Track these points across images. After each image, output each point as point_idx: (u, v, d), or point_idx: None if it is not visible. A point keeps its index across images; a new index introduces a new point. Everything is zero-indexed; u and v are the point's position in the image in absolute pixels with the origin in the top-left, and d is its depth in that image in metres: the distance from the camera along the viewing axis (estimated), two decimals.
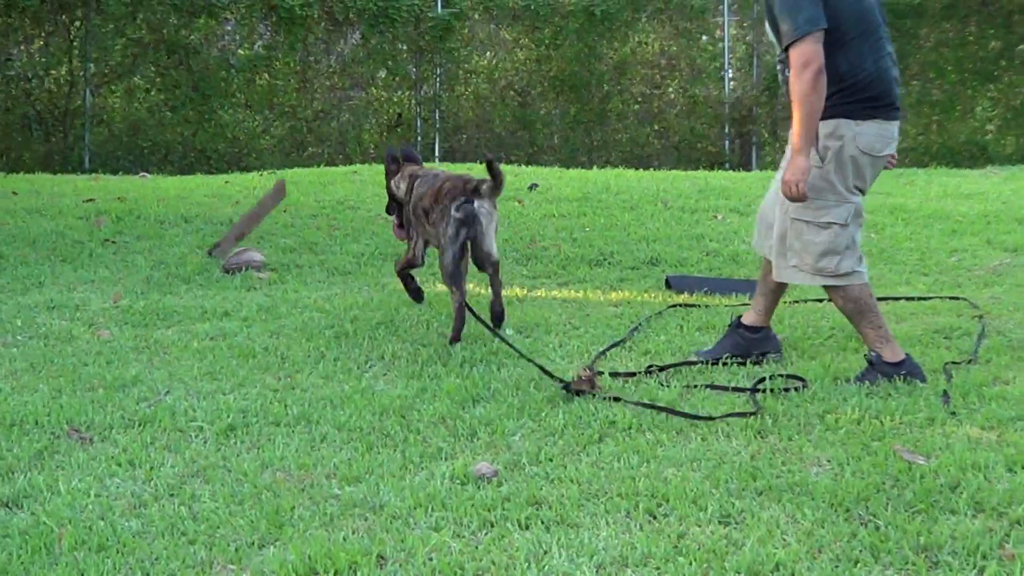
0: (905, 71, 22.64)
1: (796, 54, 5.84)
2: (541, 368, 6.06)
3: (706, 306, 7.98)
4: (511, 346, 6.54)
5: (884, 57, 6.07)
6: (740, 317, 6.67)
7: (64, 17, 20.43)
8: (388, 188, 7.98)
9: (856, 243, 6.06)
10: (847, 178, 6.00)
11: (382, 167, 16.55)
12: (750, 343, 6.57)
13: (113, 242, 10.49)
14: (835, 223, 5.99)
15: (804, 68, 5.81)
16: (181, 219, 11.61)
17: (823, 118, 5.94)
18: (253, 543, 4.09)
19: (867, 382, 5.95)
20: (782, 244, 6.19)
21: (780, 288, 6.59)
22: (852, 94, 5.95)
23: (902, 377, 5.96)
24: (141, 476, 4.75)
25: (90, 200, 12.69)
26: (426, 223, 7.41)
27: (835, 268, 6.03)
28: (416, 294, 7.97)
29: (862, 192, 6.11)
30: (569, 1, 22.42)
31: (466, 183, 7.21)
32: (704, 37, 23.40)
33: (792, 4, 5.86)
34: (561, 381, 5.89)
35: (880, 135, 6.01)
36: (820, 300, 8.05)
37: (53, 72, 20.56)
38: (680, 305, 8.03)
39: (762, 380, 6.07)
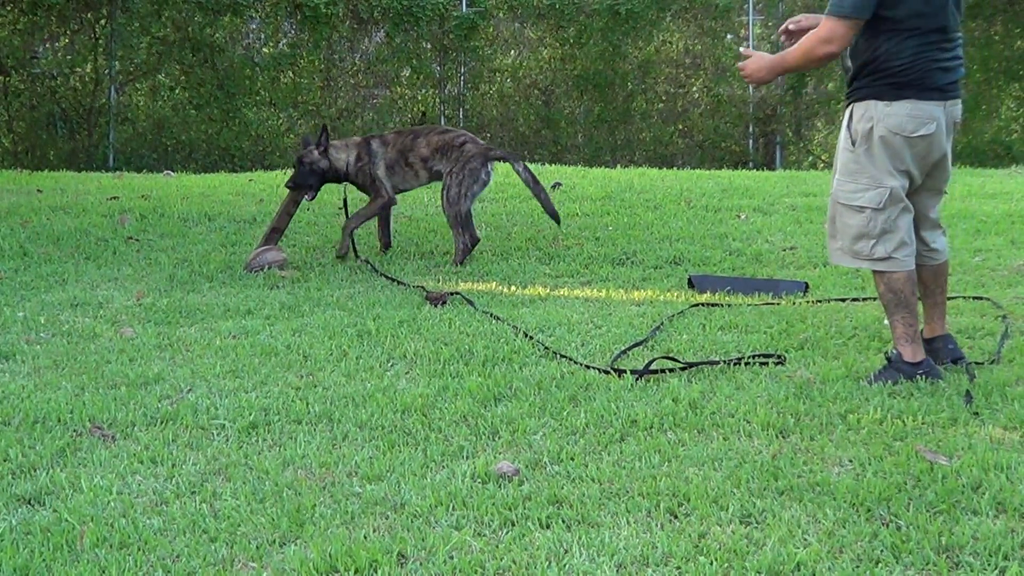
0: None
1: (828, 26, 5.95)
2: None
3: (729, 305, 7.96)
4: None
5: (930, 49, 5.97)
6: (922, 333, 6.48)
7: (89, 15, 20.52)
8: (309, 163, 9.78)
9: (899, 228, 5.99)
10: (881, 161, 5.96)
11: None
12: (933, 355, 6.31)
13: (137, 240, 10.52)
14: (868, 207, 5.97)
15: (825, 43, 5.97)
16: (205, 217, 11.64)
17: (857, 100, 6.03)
18: (274, 541, 4.10)
19: (885, 380, 5.94)
20: (832, 226, 6.24)
21: (932, 289, 6.43)
22: (883, 77, 5.95)
23: (921, 376, 5.93)
24: (163, 473, 4.77)
25: (114, 198, 12.74)
26: (419, 170, 9.88)
27: (869, 252, 6.01)
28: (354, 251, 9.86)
29: (911, 177, 6.05)
30: (594, 0, 22.42)
31: (489, 149, 9.85)
32: (729, 36, 23.37)
33: None
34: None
35: (912, 115, 5.93)
36: (843, 300, 8.03)
37: (78, 70, 20.66)
38: (703, 304, 8.01)
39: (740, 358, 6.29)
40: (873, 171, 5.98)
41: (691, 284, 8.77)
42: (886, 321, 6.32)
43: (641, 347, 6.82)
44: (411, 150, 9.80)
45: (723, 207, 12.30)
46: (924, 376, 5.94)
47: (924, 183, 6.15)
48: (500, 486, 4.56)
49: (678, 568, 3.83)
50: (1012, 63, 22.63)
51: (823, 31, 5.96)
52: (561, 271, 9.50)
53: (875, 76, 5.98)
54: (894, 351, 6.04)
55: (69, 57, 20.54)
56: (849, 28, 5.91)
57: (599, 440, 5.11)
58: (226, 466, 4.84)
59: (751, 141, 23.00)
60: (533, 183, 9.71)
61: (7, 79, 20.18)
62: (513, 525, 4.20)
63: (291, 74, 21.68)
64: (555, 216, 9.95)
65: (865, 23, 5.93)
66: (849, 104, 6.12)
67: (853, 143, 6.02)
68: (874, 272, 6.13)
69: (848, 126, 6.07)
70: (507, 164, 9.99)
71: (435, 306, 7.87)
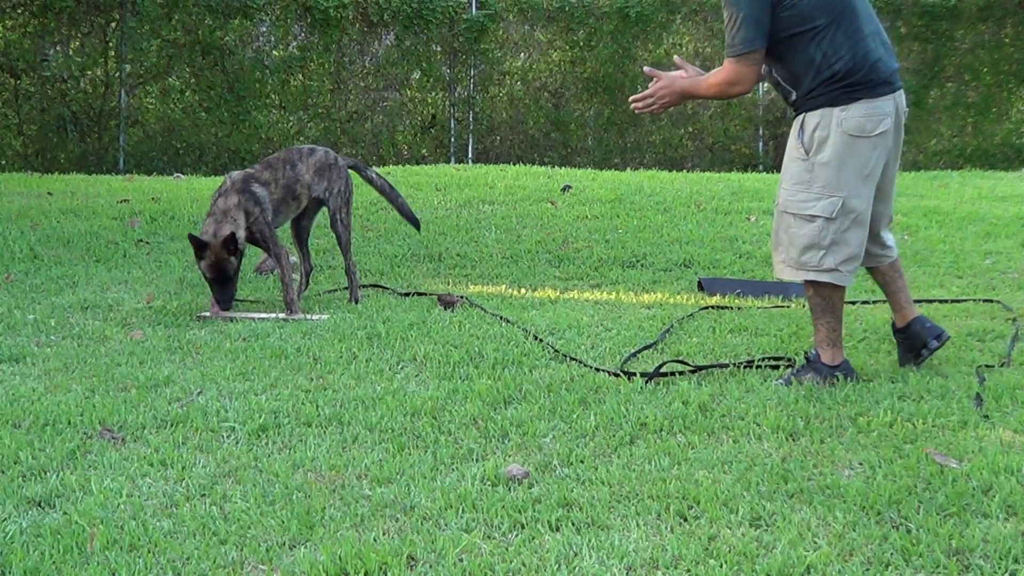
0: (940, 73, 22.61)
1: (731, 71, 6.04)
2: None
3: (739, 308, 7.97)
4: None
5: (864, 39, 6.01)
6: (893, 324, 6.58)
7: (100, 18, 20.52)
8: (219, 262, 7.82)
9: (849, 242, 5.99)
10: (837, 169, 5.94)
11: (416, 168, 16.65)
12: (913, 340, 6.46)
13: (147, 243, 10.53)
14: (820, 216, 5.96)
15: (732, 86, 6.12)
16: None
17: (810, 110, 6.01)
18: (284, 543, 4.10)
19: (799, 379, 6.01)
20: (777, 238, 6.23)
21: (887, 278, 6.50)
22: (834, 83, 5.94)
23: (836, 378, 6.00)
24: (173, 476, 4.77)
25: (124, 201, 12.76)
26: (302, 199, 8.41)
27: (818, 263, 6.01)
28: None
29: (874, 181, 6.04)
30: (604, 2, 22.41)
31: (346, 160, 8.82)
32: None
33: (732, 19, 5.99)
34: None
35: (868, 115, 5.94)
36: (853, 302, 8.03)
37: (89, 73, 20.66)
38: (713, 307, 8.02)
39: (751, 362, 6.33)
40: (828, 179, 5.96)
41: (701, 287, 8.78)
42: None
43: (651, 350, 6.82)
44: (296, 181, 8.34)
45: (733, 210, 12.30)
46: (842, 374, 6.04)
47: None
48: (510, 489, 4.55)
49: (688, 571, 3.83)
50: (1022, 66, 22.60)
51: (730, 75, 6.07)
52: (571, 274, 9.51)
53: (825, 83, 5.97)
54: (813, 352, 6.10)
55: (79, 60, 20.53)
56: (751, 64, 6.01)
57: (609, 443, 5.11)
58: (236, 468, 4.85)
59: (761, 144, 22.99)
60: (389, 189, 9.05)
61: (18, 82, 20.20)
62: (523, 528, 4.19)
63: (301, 77, 21.69)
64: (415, 222, 9.13)
65: (782, 44, 6.01)
66: (800, 114, 6.09)
67: (807, 152, 6.01)
68: (808, 281, 6.12)
69: (800, 136, 6.04)
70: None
71: (446, 309, 7.88)
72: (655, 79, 6.33)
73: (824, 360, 6.04)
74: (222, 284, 7.81)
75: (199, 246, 7.73)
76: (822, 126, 5.95)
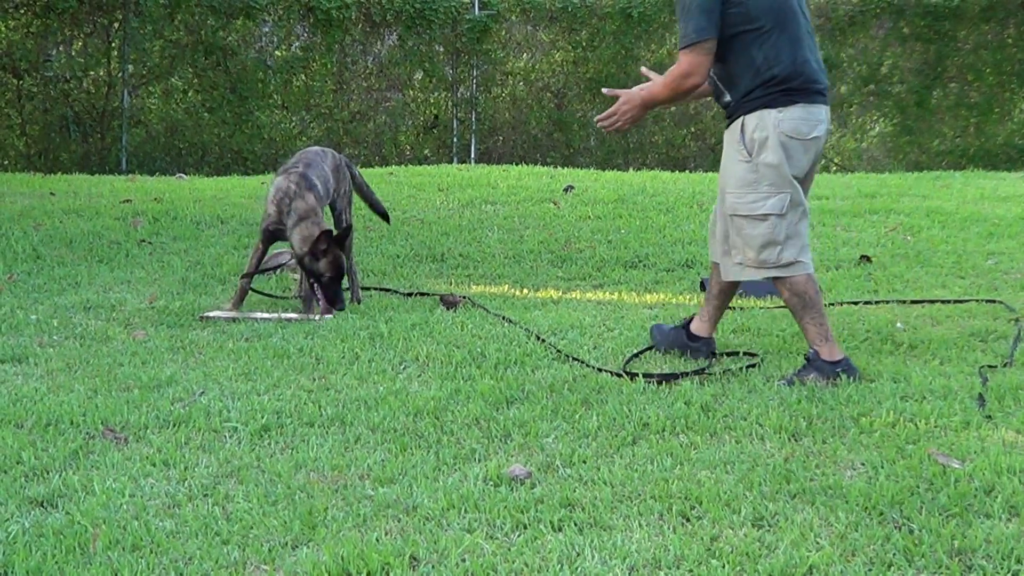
0: (943, 73, 22.61)
1: (684, 61, 6.16)
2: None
3: (741, 308, 7.97)
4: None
5: (803, 49, 6.20)
6: (690, 320, 6.79)
7: (103, 18, 20.54)
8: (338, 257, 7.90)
9: (800, 234, 6.15)
10: (780, 167, 6.08)
11: (419, 168, 16.66)
12: (689, 348, 6.71)
13: (149, 243, 10.53)
14: (772, 214, 6.10)
15: (685, 77, 6.20)
16: (217, 220, 11.66)
17: (748, 112, 6.15)
18: (286, 543, 4.10)
19: (802, 379, 6.03)
20: (726, 243, 6.35)
21: (724, 295, 6.71)
22: (773, 86, 6.11)
23: (839, 376, 6.03)
24: (175, 476, 4.77)
25: (127, 201, 12.76)
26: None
27: (777, 259, 6.12)
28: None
29: (800, 180, 6.19)
30: (606, 3, 22.40)
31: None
32: None
33: (684, 11, 6.17)
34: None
35: (805, 118, 6.12)
36: (855, 303, 8.03)
37: (91, 73, 20.68)
38: None
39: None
40: (773, 178, 6.10)
41: (703, 287, 8.77)
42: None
43: (653, 351, 6.82)
44: (327, 180, 8.38)
45: None
46: (844, 374, 6.06)
47: None
48: (512, 489, 4.55)
49: (690, 571, 3.83)
50: None
51: (683, 66, 6.18)
52: (573, 274, 9.51)
53: (764, 86, 6.12)
54: (812, 351, 6.13)
55: (82, 60, 20.56)
56: (704, 54, 6.13)
57: (611, 443, 5.11)
58: (238, 469, 4.85)
59: None
60: (366, 188, 9.17)
61: (20, 82, 20.22)
62: (525, 528, 4.19)
63: (303, 77, 21.70)
64: (385, 216, 9.41)
65: (726, 44, 6.16)
66: (738, 117, 6.22)
67: (750, 154, 6.14)
68: (776, 280, 6.22)
69: (741, 139, 6.17)
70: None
71: (448, 309, 7.88)
72: (618, 98, 6.47)
73: (824, 357, 6.06)
74: (341, 279, 7.96)
75: (328, 241, 7.82)
76: (760, 127, 6.11)
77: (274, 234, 8.07)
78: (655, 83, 6.37)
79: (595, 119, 6.68)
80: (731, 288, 6.68)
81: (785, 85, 6.09)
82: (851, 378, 6.01)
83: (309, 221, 7.81)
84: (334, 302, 7.80)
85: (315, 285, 7.85)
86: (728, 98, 6.27)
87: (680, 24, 6.21)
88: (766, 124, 6.08)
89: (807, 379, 5.99)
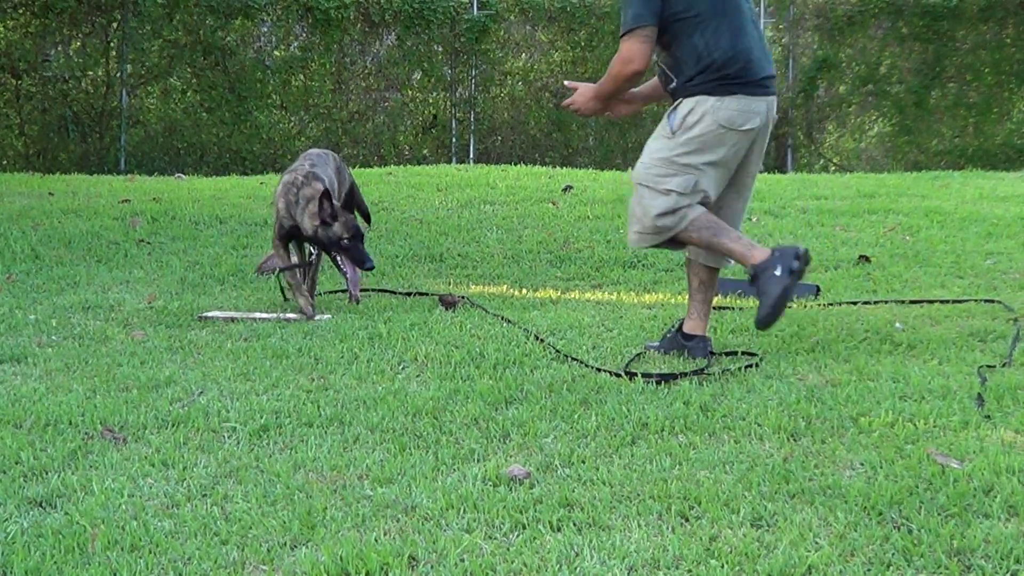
0: (941, 73, 22.62)
1: (624, 48, 6.33)
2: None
3: (740, 308, 7.96)
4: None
5: (745, 37, 6.35)
6: (681, 322, 6.85)
7: (101, 18, 20.56)
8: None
9: (696, 211, 6.32)
10: (699, 151, 6.24)
11: (417, 168, 16.66)
12: (687, 348, 6.74)
13: (148, 243, 10.53)
14: (675, 191, 6.27)
15: (625, 64, 6.38)
16: (216, 220, 11.66)
17: (687, 96, 6.32)
18: (285, 544, 4.09)
19: (757, 291, 6.23)
20: (632, 211, 6.50)
21: (705, 288, 6.78)
22: (711, 73, 6.26)
23: (795, 265, 6.13)
24: (174, 476, 4.77)
25: (126, 201, 12.76)
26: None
27: (676, 224, 6.29)
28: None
29: (735, 170, 6.40)
30: (605, 3, 22.42)
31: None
32: None
33: (624, 1, 6.33)
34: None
35: (741, 110, 6.27)
36: (854, 303, 8.03)
37: (90, 73, 20.71)
38: (714, 308, 8.00)
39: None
40: (686, 160, 6.26)
41: None
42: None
43: (653, 351, 6.82)
44: (332, 181, 8.39)
45: None
46: (779, 259, 6.16)
47: (732, 179, 6.50)
48: (511, 489, 4.55)
49: (689, 571, 3.82)
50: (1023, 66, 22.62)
51: (622, 53, 6.35)
52: (572, 274, 9.51)
53: (704, 73, 6.28)
54: (750, 267, 6.26)
55: (81, 60, 20.57)
56: (643, 40, 6.27)
57: (610, 443, 5.10)
58: (237, 469, 4.84)
59: None
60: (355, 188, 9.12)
61: (19, 82, 20.23)
62: (524, 528, 4.19)
63: (302, 77, 21.72)
64: (367, 217, 9.36)
65: (669, 32, 6.31)
66: (677, 99, 6.40)
67: (673, 132, 6.31)
68: (681, 238, 6.37)
69: (671, 118, 6.36)
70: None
71: (447, 309, 7.88)
72: (574, 90, 6.86)
73: (759, 260, 6.20)
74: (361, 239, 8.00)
75: (331, 200, 7.89)
76: (695, 112, 6.28)
77: (289, 232, 8.05)
78: (604, 78, 6.61)
79: (562, 104, 7.01)
80: (711, 280, 6.76)
81: (723, 72, 6.24)
82: (796, 261, 6.14)
83: (315, 201, 7.80)
84: (362, 262, 7.90)
85: (338, 258, 7.87)
86: (674, 84, 6.41)
87: (621, 12, 6.36)
88: (701, 109, 6.24)
89: (767, 288, 6.16)
